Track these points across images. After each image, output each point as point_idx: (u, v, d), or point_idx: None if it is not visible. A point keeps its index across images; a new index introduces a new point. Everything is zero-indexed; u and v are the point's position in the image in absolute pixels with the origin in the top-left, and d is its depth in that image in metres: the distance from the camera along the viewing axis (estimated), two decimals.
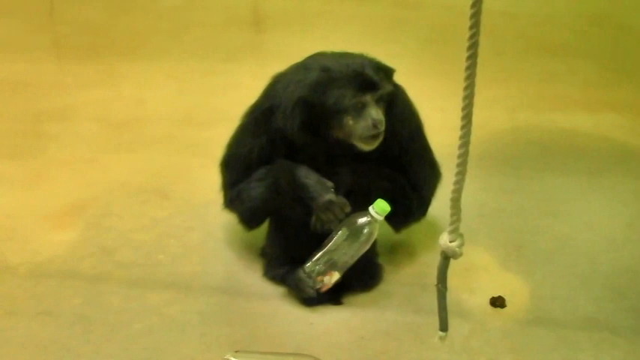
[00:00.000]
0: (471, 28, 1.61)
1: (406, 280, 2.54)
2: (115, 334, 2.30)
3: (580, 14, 5.19)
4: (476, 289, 2.50)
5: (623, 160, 3.37)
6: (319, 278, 2.31)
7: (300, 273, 2.34)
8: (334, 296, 2.42)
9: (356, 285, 2.47)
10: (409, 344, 2.27)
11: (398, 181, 2.42)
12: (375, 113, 2.28)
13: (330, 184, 2.32)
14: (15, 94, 3.95)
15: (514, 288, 2.52)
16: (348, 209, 2.29)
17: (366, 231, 2.27)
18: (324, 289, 2.33)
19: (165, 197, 3.01)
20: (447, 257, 1.86)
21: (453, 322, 2.26)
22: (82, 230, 2.81)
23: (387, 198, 2.27)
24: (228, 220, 2.67)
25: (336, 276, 2.31)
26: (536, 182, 3.17)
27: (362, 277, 2.46)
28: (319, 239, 2.31)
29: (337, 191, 2.32)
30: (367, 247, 2.29)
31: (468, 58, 1.63)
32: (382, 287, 2.52)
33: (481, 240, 2.75)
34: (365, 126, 2.28)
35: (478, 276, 2.58)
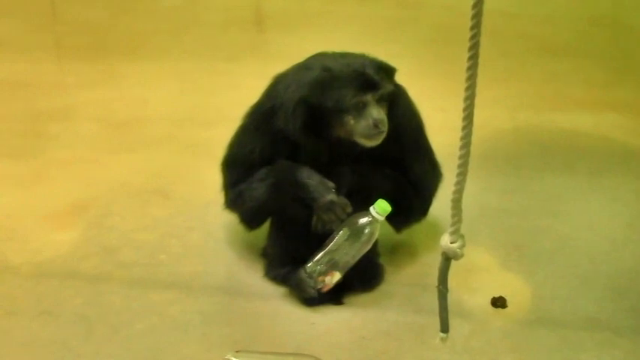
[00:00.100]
0: (472, 28, 1.61)
1: (407, 281, 2.54)
2: (116, 334, 2.30)
3: (581, 14, 5.19)
4: (477, 290, 2.50)
5: (624, 160, 3.37)
6: (320, 278, 2.31)
7: (302, 273, 2.34)
8: (335, 296, 2.42)
9: (357, 285, 2.46)
10: (410, 344, 2.27)
11: (399, 181, 2.42)
12: (377, 113, 2.28)
13: (331, 184, 2.32)
14: (16, 93, 3.95)
15: (515, 288, 2.52)
16: (349, 209, 2.29)
17: (367, 231, 2.27)
18: (325, 289, 2.33)
19: (166, 197, 3.02)
20: (447, 258, 1.86)
21: (453, 322, 2.26)
22: (83, 230, 2.81)
23: (388, 198, 2.28)
24: (229, 220, 2.67)
25: (337, 276, 2.31)
26: (537, 182, 3.17)
27: (363, 277, 2.46)
28: (320, 239, 2.31)
29: (338, 191, 2.32)
30: (368, 247, 2.30)
31: (470, 58, 1.63)
32: (383, 287, 2.52)
33: (482, 240, 2.75)
34: (366, 125, 2.28)
35: (479, 276, 2.58)
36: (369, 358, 2.24)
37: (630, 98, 3.96)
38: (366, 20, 5.04)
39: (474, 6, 1.60)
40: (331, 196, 2.30)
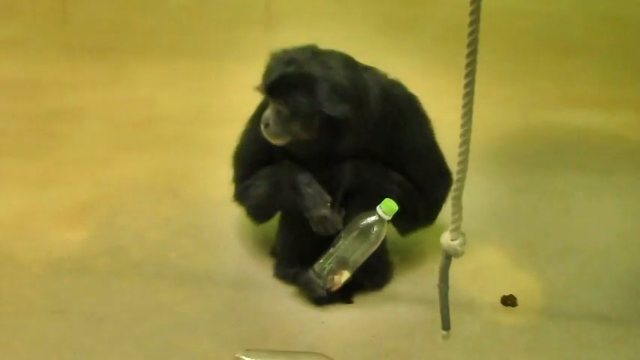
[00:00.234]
0: (470, 24, 1.61)
1: (417, 279, 2.53)
2: (128, 332, 2.31)
3: (593, 11, 5.16)
4: (487, 288, 2.49)
5: (636, 158, 3.35)
6: (329, 277, 2.31)
7: (311, 273, 2.33)
8: (345, 295, 2.42)
9: (367, 284, 2.46)
10: (421, 342, 2.27)
11: (403, 184, 2.39)
12: (268, 112, 2.31)
13: (328, 197, 2.31)
14: (26, 93, 3.97)
15: (526, 286, 2.51)
16: (340, 227, 2.30)
17: (374, 230, 2.26)
18: (335, 288, 2.33)
19: (176, 196, 3.02)
20: (448, 256, 1.86)
21: (464, 320, 2.27)
22: (94, 229, 2.82)
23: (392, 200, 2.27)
24: (239, 218, 2.67)
25: (346, 275, 2.31)
26: (549, 180, 3.15)
27: (373, 275, 2.46)
28: (329, 239, 2.31)
29: (337, 189, 2.32)
30: (377, 246, 2.29)
31: (468, 55, 1.63)
32: (393, 286, 2.52)
33: (493, 238, 2.74)
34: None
35: (490, 274, 2.57)
36: (380, 356, 2.23)
37: None
38: (377, 19, 5.03)
39: (472, 2, 1.60)
40: (324, 211, 2.29)
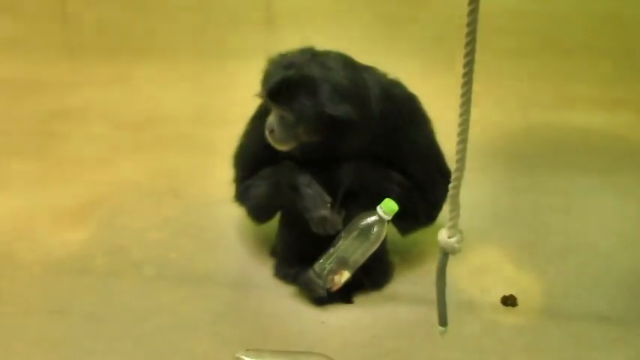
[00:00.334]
0: (468, 24, 1.61)
1: (417, 279, 2.53)
2: (128, 332, 2.31)
3: (594, 12, 5.17)
4: (488, 288, 2.49)
5: (636, 158, 3.36)
6: (330, 277, 2.31)
7: (311, 273, 2.33)
8: (345, 295, 2.42)
9: (367, 284, 2.46)
10: (421, 342, 2.27)
11: (404, 184, 2.38)
12: (271, 118, 2.29)
13: (328, 198, 2.31)
14: (28, 93, 3.97)
15: (526, 286, 2.51)
16: (340, 227, 2.30)
17: (374, 230, 2.26)
18: (335, 288, 2.33)
19: (177, 196, 3.02)
20: (445, 253, 1.86)
21: (464, 320, 2.27)
22: (95, 229, 2.82)
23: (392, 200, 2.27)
24: (240, 218, 2.67)
25: (346, 275, 2.31)
26: (550, 180, 3.15)
27: (373, 275, 2.46)
28: (329, 239, 2.31)
29: (338, 189, 2.32)
30: (377, 246, 2.29)
31: (466, 54, 1.64)
32: (393, 285, 2.52)
33: (493, 238, 2.74)
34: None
35: (490, 274, 2.57)
36: (380, 356, 2.23)
37: None
38: (377, 18, 5.03)
39: (470, 3, 1.60)
40: (324, 212, 2.29)
